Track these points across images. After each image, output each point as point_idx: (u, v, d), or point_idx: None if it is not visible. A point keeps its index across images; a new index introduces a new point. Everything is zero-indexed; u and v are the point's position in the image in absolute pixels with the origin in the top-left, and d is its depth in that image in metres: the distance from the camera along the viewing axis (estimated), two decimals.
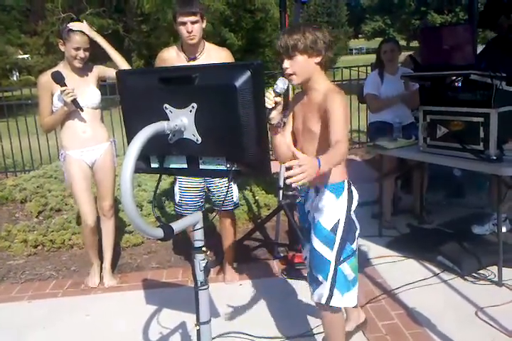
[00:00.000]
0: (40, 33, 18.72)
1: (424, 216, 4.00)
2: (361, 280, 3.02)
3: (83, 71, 3.07)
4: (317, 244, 2.00)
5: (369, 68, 6.24)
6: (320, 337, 2.52)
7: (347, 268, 2.01)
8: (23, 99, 6.80)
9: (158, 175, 1.71)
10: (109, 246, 3.31)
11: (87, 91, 3.03)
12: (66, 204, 4.47)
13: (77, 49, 2.92)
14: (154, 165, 1.61)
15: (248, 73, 1.40)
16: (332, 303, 2.01)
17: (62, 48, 2.97)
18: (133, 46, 18.33)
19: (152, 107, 1.50)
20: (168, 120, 1.48)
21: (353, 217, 2.02)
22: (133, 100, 1.55)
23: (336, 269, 1.99)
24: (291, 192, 3.41)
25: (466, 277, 3.03)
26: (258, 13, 22.62)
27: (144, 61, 19.60)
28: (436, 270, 3.15)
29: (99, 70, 3.15)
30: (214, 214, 3.62)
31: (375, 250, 3.51)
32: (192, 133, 1.48)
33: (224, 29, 21.11)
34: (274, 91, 1.88)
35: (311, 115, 1.98)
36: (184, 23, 2.77)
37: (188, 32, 2.78)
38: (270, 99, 1.86)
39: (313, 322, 2.64)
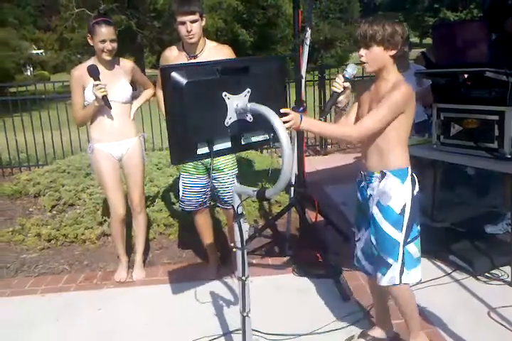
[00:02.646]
0: (53, 28, 18.86)
1: (436, 214, 3.97)
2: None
3: (114, 65, 3.08)
4: (386, 226, 2.09)
5: None
6: (330, 335, 2.52)
7: (413, 248, 2.13)
8: (37, 94, 6.86)
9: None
10: (141, 239, 3.37)
11: (117, 86, 3.05)
12: (79, 199, 4.50)
13: (103, 41, 2.94)
14: (202, 152, 1.74)
15: (283, 62, 1.91)
16: (404, 281, 2.12)
17: (90, 42, 2.99)
18: (145, 42, 18.39)
19: (213, 96, 1.69)
20: (226, 106, 1.71)
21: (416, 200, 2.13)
22: (194, 92, 1.66)
23: (403, 250, 2.09)
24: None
25: (478, 277, 3.01)
26: (270, 10, 22.57)
27: (156, 57, 19.66)
28: (448, 269, 3.14)
29: (133, 68, 3.17)
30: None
31: None
32: (246, 114, 1.74)
33: (236, 25, 21.09)
34: (343, 76, 2.07)
35: (376, 102, 2.04)
36: (183, 23, 2.78)
37: (187, 31, 2.79)
38: (339, 83, 2.06)
39: (324, 319, 2.64)
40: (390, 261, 2.11)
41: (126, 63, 3.18)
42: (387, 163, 2.10)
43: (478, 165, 3.11)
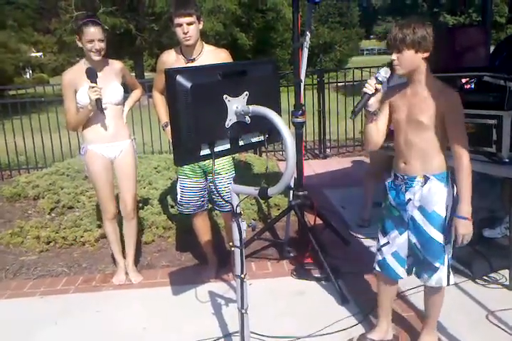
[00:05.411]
0: (53, 31, 18.85)
1: None
2: (372, 283, 3.03)
3: (104, 67, 3.07)
4: (434, 232, 2.12)
5: None
6: (329, 337, 2.53)
7: (450, 248, 2.17)
8: (37, 96, 6.87)
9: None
10: (131, 243, 3.35)
11: (110, 88, 3.03)
12: (78, 202, 4.50)
13: (91, 41, 2.92)
14: (204, 153, 1.78)
15: (276, 65, 1.99)
16: (451, 282, 2.19)
17: (79, 44, 2.98)
18: (145, 45, 18.39)
19: (214, 99, 1.74)
20: (226, 108, 1.75)
21: None
22: (198, 95, 1.69)
23: (447, 252, 2.15)
24: (301, 193, 3.43)
25: (476, 280, 3.02)
26: (269, 13, 22.60)
27: (155, 60, 19.67)
28: None
29: (122, 68, 3.16)
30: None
31: None
32: (244, 116, 1.78)
33: (235, 29, 21.11)
34: (375, 78, 2.04)
35: (418, 106, 2.07)
36: (180, 25, 2.80)
37: (183, 33, 2.81)
38: (371, 85, 2.03)
39: (323, 322, 2.65)
40: (437, 264, 2.15)
41: (116, 64, 3.14)
42: (431, 167, 2.11)
43: (477, 169, 3.09)
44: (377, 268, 2.34)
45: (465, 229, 2.06)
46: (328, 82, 7.30)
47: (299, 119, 3.39)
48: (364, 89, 2.06)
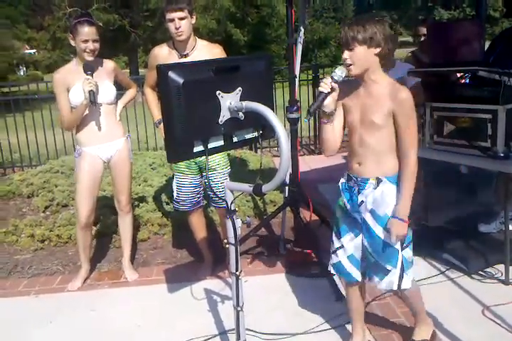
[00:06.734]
0: (46, 27, 18.73)
1: (430, 213, 3.97)
2: None
3: (97, 66, 3.02)
4: (385, 236, 2.07)
5: None
6: (324, 334, 2.52)
7: (408, 252, 2.12)
8: (30, 94, 6.82)
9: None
10: (127, 241, 3.34)
11: (102, 88, 2.99)
12: (72, 200, 4.46)
13: (86, 41, 2.89)
14: (197, 149, 1.76)
15: (271, 60, 1.97)
16: (403, 287, 2.13)
17: (72, 43, 2.95)
18: (139, 41, 18.30)
19: (207, 95, 1.72)
20: (220, 104, 1.73)
21: None
22: (191, 91, 1.67)
23: (402, 256, 2.09)
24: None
25: (472, 275, 3.02)
26: (264, 9, 22.55)
27: None
28: (443, 268, 3.14)
29: (114, 67, 3.13)
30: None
31: None
32: (237, 112, 1.76)
33: (229, 25, 21.06)
34: (331, 77, 1.97)
35: (372, 107, 2.01)
36: (172, 20, 2.78)
37: (175, 28, 2.78)
38: (327, 83, 1.96)
39: (318, 319, 2.65)
40: (389, 267, 2.10)
41: (108, 63, 3.11)
42: (385, 169, 2.05)
43: (472, 163, 3.12)
44: (333, 271, 2.29)
45: (400, 230, 2.02)
46: (323, 77, 7.24)
47: (294, 115, 3.38)
48: (319, 88, 1.99)
